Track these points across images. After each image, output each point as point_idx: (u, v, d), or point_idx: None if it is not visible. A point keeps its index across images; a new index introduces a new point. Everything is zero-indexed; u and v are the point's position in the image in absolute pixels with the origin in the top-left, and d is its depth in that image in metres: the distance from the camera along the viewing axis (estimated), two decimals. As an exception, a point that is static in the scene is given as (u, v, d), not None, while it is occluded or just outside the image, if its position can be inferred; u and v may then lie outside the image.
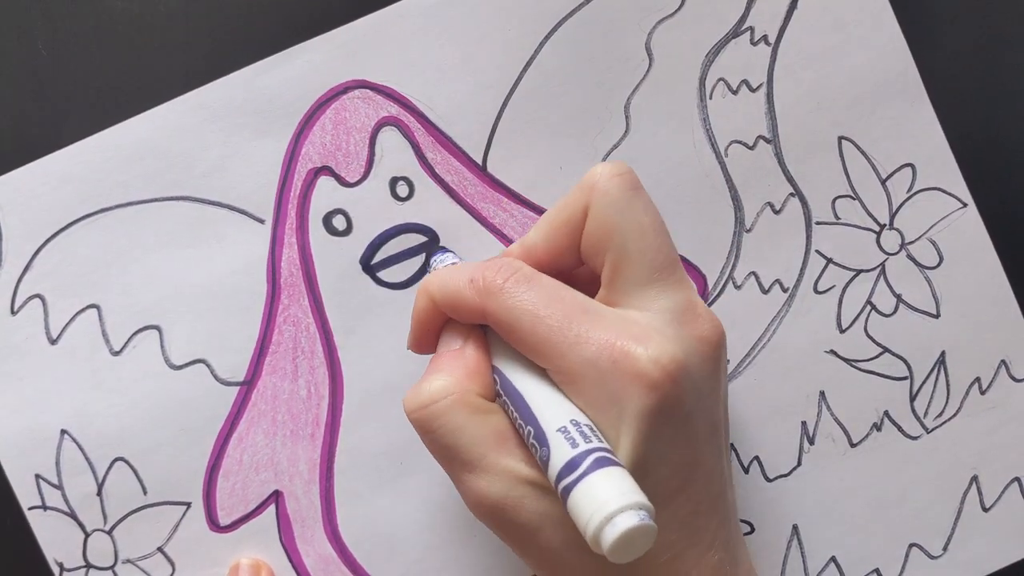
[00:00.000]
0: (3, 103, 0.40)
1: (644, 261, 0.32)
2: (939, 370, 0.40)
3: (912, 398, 0.41)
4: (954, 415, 0.41)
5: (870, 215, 0.40)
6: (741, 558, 0.33)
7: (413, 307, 0.34)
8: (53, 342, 0.39)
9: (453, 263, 0.37)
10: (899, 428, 0.41)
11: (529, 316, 0.31)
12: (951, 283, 0.40)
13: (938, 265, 0.40)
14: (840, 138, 0.40)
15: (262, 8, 0.40)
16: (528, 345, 0.31)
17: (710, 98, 0.40)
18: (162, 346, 0.39)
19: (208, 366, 0.39)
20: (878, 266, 0.40)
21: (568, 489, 0.28)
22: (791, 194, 0.40)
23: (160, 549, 0.39)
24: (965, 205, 0.40)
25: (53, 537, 0.39)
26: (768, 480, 0.40)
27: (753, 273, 0.40)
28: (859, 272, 0.40)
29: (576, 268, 0.35)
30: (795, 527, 0.40)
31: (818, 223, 0.40)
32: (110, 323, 0.39)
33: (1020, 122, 0.41)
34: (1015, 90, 0.41)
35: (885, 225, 0.40)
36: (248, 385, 0.39)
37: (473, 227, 0.40)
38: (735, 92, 0.40)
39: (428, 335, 0.35)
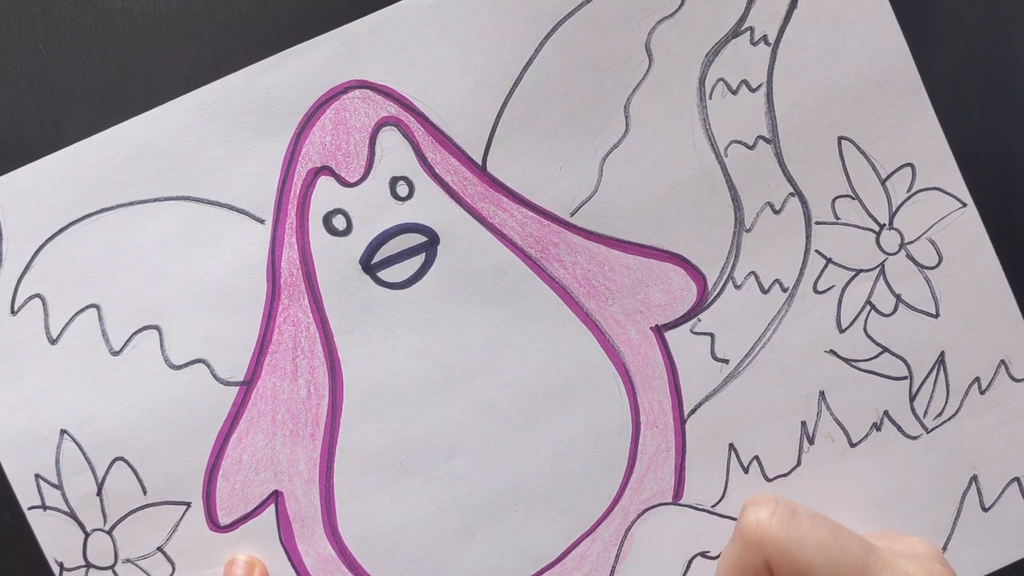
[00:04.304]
0: (3, 103, 0.40)
1: (845, 573, 0.33)
2: (939, 370, 0.40)
3: (912, 398, 0.41)
4: (954, 415, 0.41)
5: (870, 215, 0.40)
6: None
7: None
8: (53, 342, 0.39)
9: None
10: (899, 428, 0.41)
11: None
12: (951, 283, 0.40)
13: (938, 265, 0.40)
14: (840, 138, 0.40)
15: (262, 8, 0.40)
16: None
17: (710, 98, 0.40)
18: (162, 346, 0.39)
19: (208, 366, 0.39)
20: (878, 266, 0.40)
21: None
22: (791, 194, 0.40)
23: (160, 549, 0.39)
24: (965, 205, 0.40)
25: (53, 537, 0.39)
26: (768, 480, 0.40)
27: (753, 273, 0.40)
28: (859, 272, 0.40)
29: None
30: (795, 527, 0.40)
31: (818, 223, 0.40)
32: (110, 323, 0.39)
33: (1020, 122, 0.41)
34: (1015, 90, 0.41)
35: (885, 225, 0.40)
36: (248, 385, 0.39)
37: (473, 227, 0.40)
38: (735, 92, 0.40)
39: None
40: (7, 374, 0.39)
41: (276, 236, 0.39)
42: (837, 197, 0.40)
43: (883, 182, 0.40)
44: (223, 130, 0.39)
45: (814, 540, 0.33)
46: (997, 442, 0.41)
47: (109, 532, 0.39)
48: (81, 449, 0.39)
